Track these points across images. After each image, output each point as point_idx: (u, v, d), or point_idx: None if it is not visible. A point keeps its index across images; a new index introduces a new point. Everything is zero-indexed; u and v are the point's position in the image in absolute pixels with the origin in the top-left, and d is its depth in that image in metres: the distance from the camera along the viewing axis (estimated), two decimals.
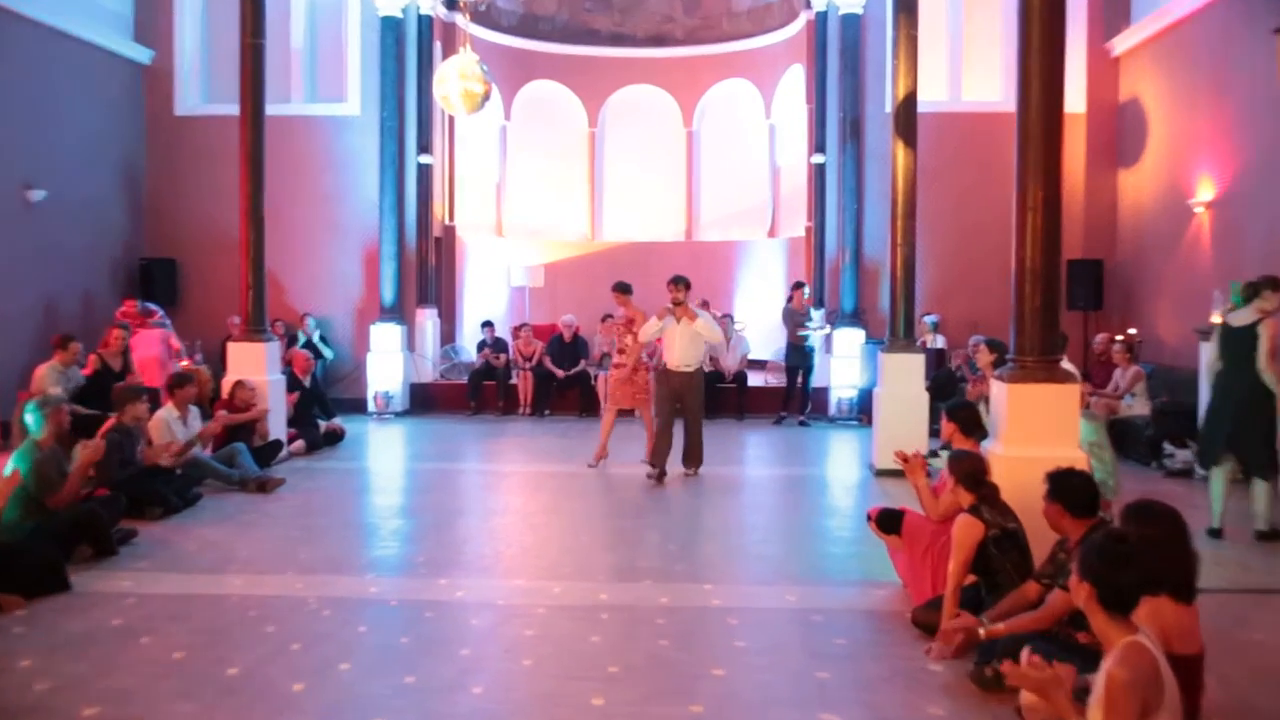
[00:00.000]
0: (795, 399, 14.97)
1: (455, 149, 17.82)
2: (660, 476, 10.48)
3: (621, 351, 11.12)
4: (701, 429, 10.85)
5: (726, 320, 16.31)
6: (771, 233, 19.56)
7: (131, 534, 7.95)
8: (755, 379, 16.35)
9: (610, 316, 15.75)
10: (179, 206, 16.45)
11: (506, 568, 7.36)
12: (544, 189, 20.43)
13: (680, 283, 10.54)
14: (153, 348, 13.13)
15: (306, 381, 12.89)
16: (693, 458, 10.83)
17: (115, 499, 8.06)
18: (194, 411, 10.26)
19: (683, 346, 10.52)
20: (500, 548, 7.97)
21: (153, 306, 13.72)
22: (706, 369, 15.58)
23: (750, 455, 12.93)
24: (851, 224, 15.88)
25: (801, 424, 14.73)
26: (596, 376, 15.67)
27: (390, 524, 8.73)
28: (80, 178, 14.87)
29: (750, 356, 16.30)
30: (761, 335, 18.26)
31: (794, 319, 14.70)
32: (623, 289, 11.14)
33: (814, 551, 7.82)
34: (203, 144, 16.34)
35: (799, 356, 14.75)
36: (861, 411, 14.80)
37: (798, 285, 15.06)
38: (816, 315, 15.02)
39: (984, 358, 9.22)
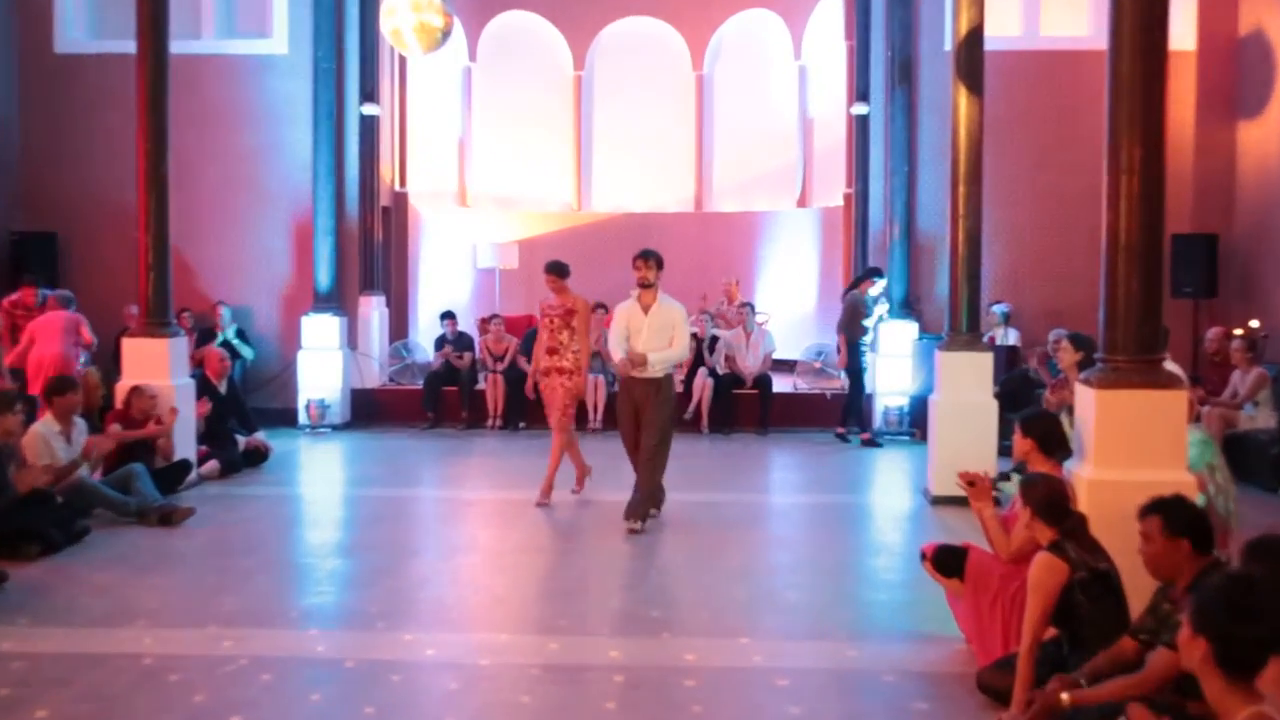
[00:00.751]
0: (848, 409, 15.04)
1: (407, 97, 17.84)
2: (640, 519, 9.78)
3: (553, 352, 10.76)
4: (661, 460, 9.95)
5: (746, 310, 16.32)
6: (802, 201, 19.57)
7: (1, 577, 7.93)
8: (781, 384, 16.36)
9: (602, 306, 15.78)
10: (60, 167, 16.45)
11: (479, 618, 7.37)
12: (518, 147, 20.45)
13: (650, 259, 9.93)
14: (53, 342, 13.05)
15: (222, 387, 12.88)
16: (641, 502, 9.83)
17: None
18: (79, 425, 10.24)
19: (649, 345, 9.85)
20: (467, 593, 7.97)
21: (61, 294, 13.69)
22: (722, 370, 15.80)
23: (776, 479, 12.90)
24: (902, 190, 15.89)
25: (866, 442, 14.73)
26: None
27: (329, 565, 8.73)
28: None
29: (775, 355, 16.30)
30: (789, 329, 18.27)
31: (856, 314, 14.64)
32: (556, 270, 10.77)
33: (856, 598, 7.83)
34: (90, 89, 16.33)
35: (859, 358, 14.77)
36: (914, 424, 14.80)
37: (872, 273, 15.02)
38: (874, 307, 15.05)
39: (1067, 357, 9.22)
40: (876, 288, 14.96)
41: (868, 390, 15.23)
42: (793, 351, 17.55)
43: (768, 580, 8.31)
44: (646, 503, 9.83)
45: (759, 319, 16.83)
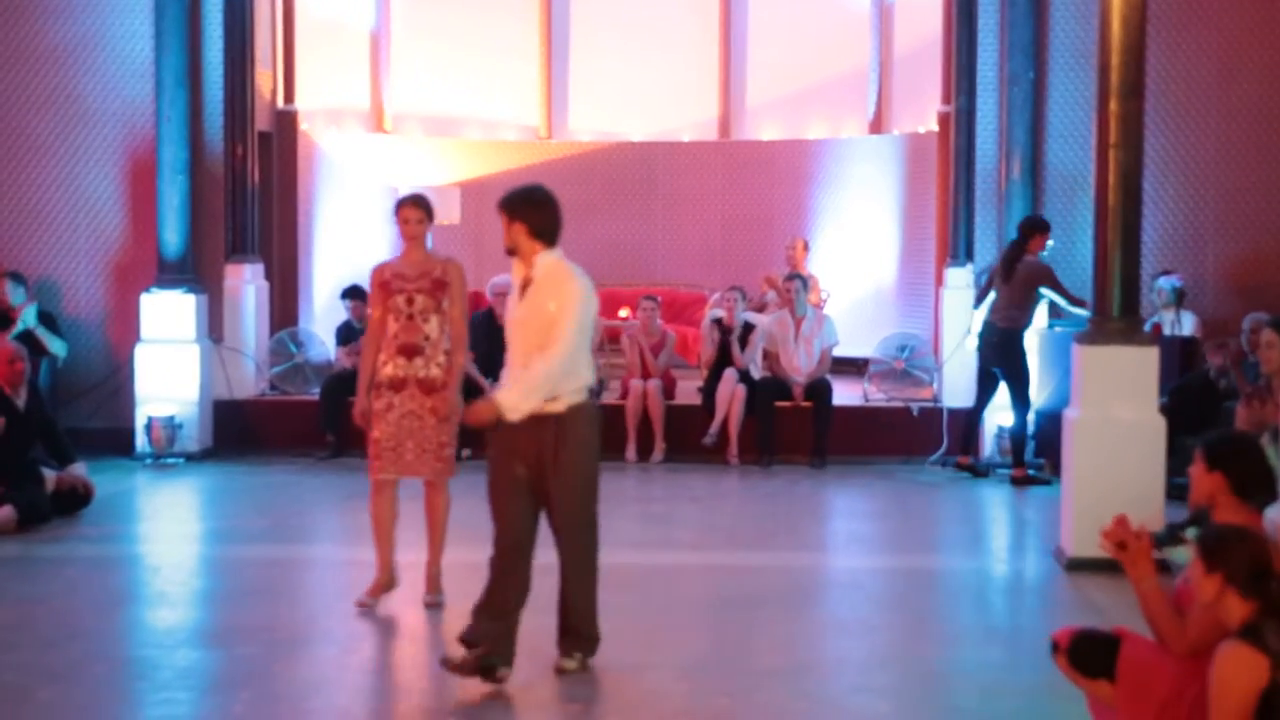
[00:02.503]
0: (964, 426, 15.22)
1: None
2: (486, 672, 8.06)
3: (412, 353, 9.69)
4: (593, 557, 8.50)
5: (794, 286, 16.27)
6: (876, 126, 19.56)
7: None
8: (846, 393, 16.33)
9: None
10: None
11: None
12: (459, 47, 20.41)
13: (523, 204, 8.26)
14: None
15: (19, 399, 12.79)
16: (578, 629, 8.47)
17: None
18: None
19: (524, 347, 8.25)
20: (380, 703, 7.95)
21: None
22: (758, 374, 15.75)
23: (838, 532, 12.93)
24: (1024, 109, 15.87)
25: (963, 467, 14.75)
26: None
27: (180, 659, 8.69)
28: None
29: (837, 352, 16.28)
30: (856, 313, 18.27)
31: (1029, 284, 14.53)
32: (416, 203, 9.95)
33: (958, 710, 7.81)
34: None
35: (1008, 351, 14.65)
36: (1041, 452, 14.77)
37: (1034, 223, 14.95)
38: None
39: (1274, 355, 9.19)
40: (1045, 240, 14.84)
41: (958, 402, 15.33)
42: (862, 346, 17.54)
43: (828, 685, 8.26)
44: (586, 625, 8.44)
45: (815, 298, 16.79)
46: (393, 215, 9.97)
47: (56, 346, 15.85)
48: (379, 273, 9.86)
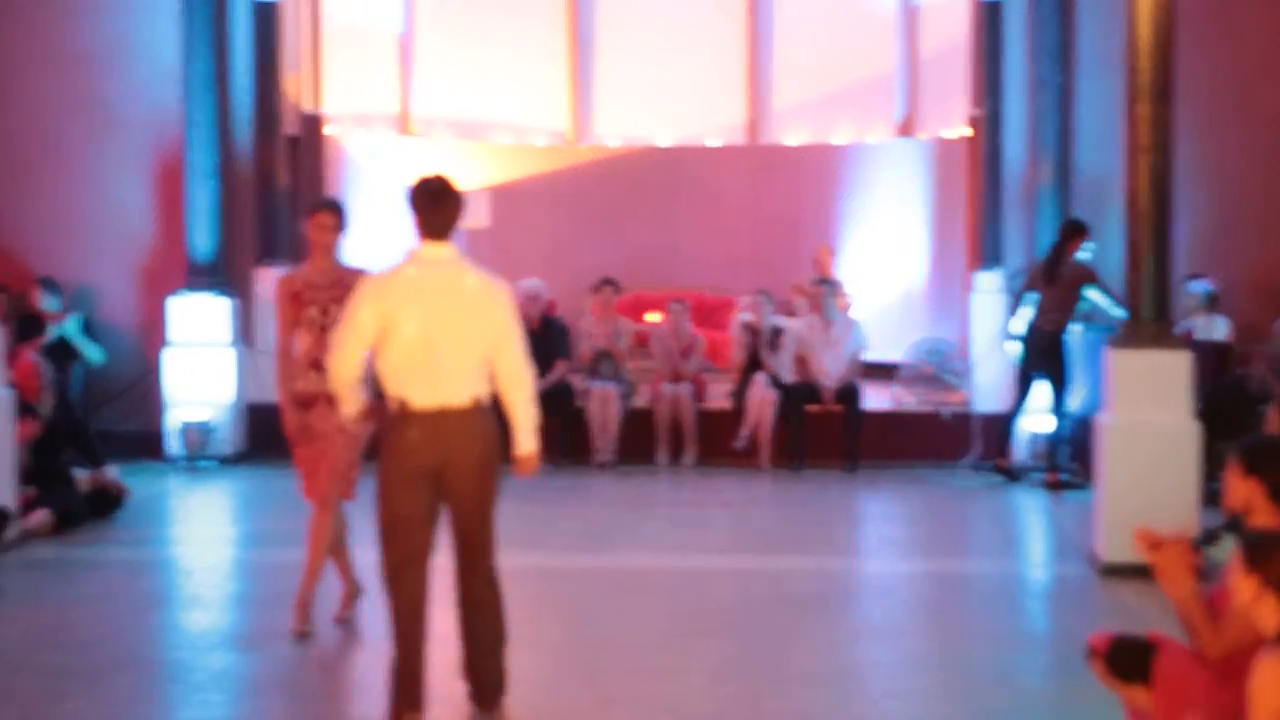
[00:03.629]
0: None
1: None
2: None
3: (321, 366, 8.71)
4: (497, 585, 7.63)
5: (823, 290, 16.28)
6: (906, 129, 19.54)
7: None
8: (876, 397, 16.33)
9: (611, 283, 15.83)
10: None
11: None
12: (486, 52, 20.43)
13: (446, 199, 7.52)
14: None
15: (44, 407, 12.83)
16: (487, 674, 7.61)
17: None
18: None
19: (429, 351, 7.41)
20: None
21: None
22: (788, 378, 15.76)
23: (870, 537, 12.92)
24: (1053, 112, 15.87)
25: (1001, 470, 14.75)
26: (588, 393, 15.66)
27: (215, 662, 8.74)
28: None
29: (865, 357, 16.26)
30: (886, 318, 18.26)
31: (1074, 285, 14.52)
32: (334, 210, 9.68)
33: (990, 714, 7.81)
34: None
35: (1053, 355, 14.64)
36: (1074, 457, 14.74)
37: (1074, 226, 14.91)
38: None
39: None
40: (1083, 242, 14.82)
41: (991, 407, 15.31)
42: (891, 351, 17.53)
43: (860, 690, 8.28)
44: (495, 668, 7.59)
45: (842, 301, 16.79)
46: (306, 220, 9.58)
47: (93, 353, 15.92)
48: (288, 283, 9.35)
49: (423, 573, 7.34)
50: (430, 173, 7.63)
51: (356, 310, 7.35)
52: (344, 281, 9.05)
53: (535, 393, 7.54)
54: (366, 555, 8.93)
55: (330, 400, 8.55)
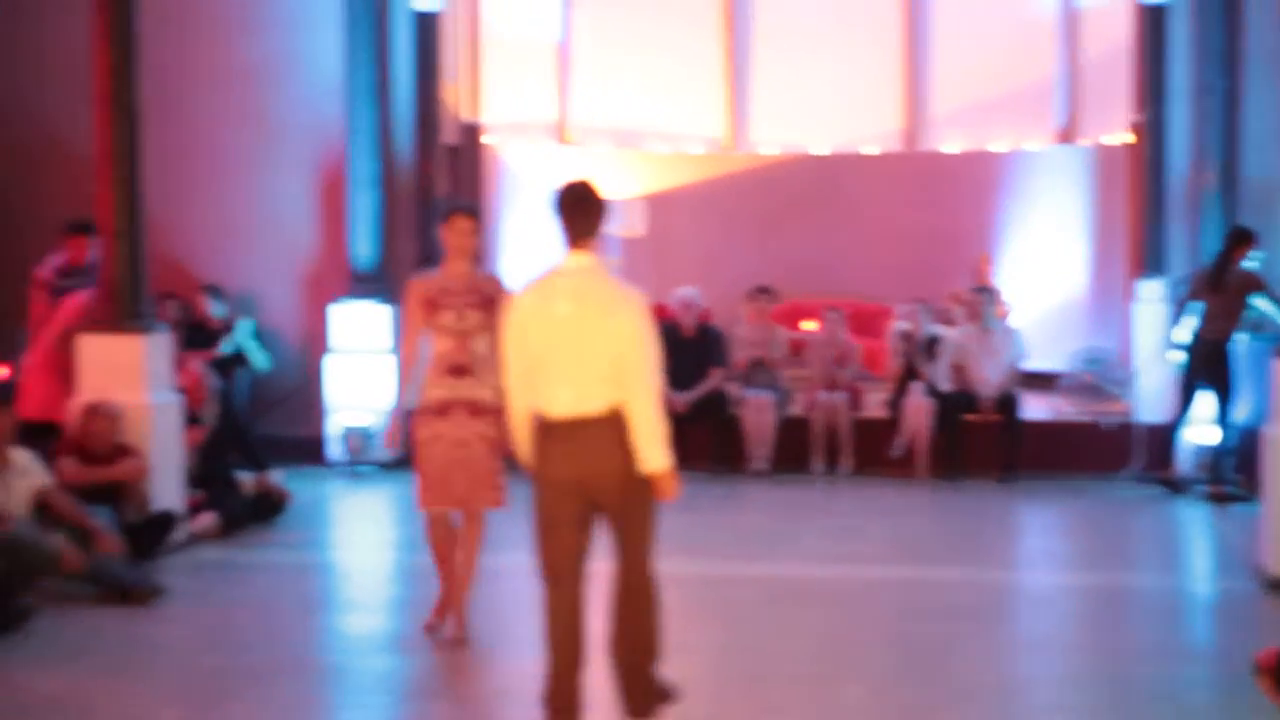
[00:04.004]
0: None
1: None
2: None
3: (461, 372, 9.06)
4: (656, 606, 7.53)
5: (982, 299, 16.15)
6: (1066, 135, 19.36)
7: None
8: (1035, 407, 16.18)
9: (766, 291, 15.80)
10: None
11: None
12: (644, 60, 20.48)
13: (586, 205, 7.51)
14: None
15: (208, 415, 13.01)
16: (637, 684, 7.52)
17: None
18: (22, 460, 10.46)
19: (561, 361, 7.35)
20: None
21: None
22: (946, 387, 15.63)
23: (1029, 549, 12.79)
24: (1218, 117, 15.64)
25: (1165, 483, 14.59)
26: (743, 401, 15.63)
27: (376, 665, 8.84)
28: None
29: (1024, 366, 16.12)
30: (1048, 327, 18.10)
31: (1242, 293, 14.29)
32: (472, 214, 9.56)
33: None
34: None
35: (1218, 364, 14.45)
36: (1240, 469, 14.54)
37: (1240, 233, 14.72)
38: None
39: None
40: (1249, 249, 14.61)
41: (1153, 418, 15.14)
42: (1051, 360, 17.37)
43: (1020, 703, 8.21)
44: (649, 688, 7.50)
45: (1001, 309, 16.65)
46: (443, 223, 9.28)
47: (261, 360, 16.09)
48: (421, 289, 9.17)
49: (576, 579, 7.28)
50: (574, 178, 7.56)
51: (506, 336, 7.41)
52: (480, 288, 9.14)
53: (658, 406, 7.12)
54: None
55: (469, 408, 8.94)
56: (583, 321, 7.18)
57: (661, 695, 7.46)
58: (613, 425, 7.09)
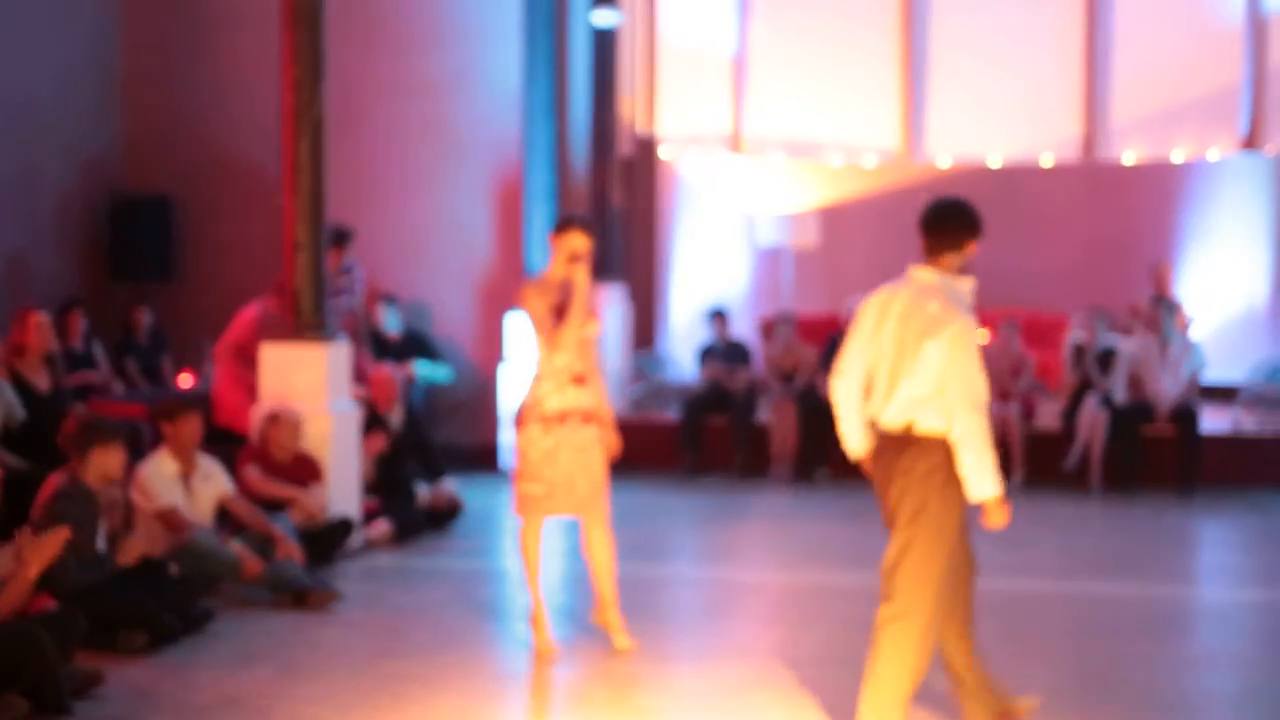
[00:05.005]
0: None
1: (659, 1, 18.07)
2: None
3: (581, 381, 9.25)
4: (911, 644, 7.27)
5: (1160, 309, 15.93)
6: (1251, 141, 19.07)
7: (95, 679, 8.26)
8: (1215, 420, 15.94)
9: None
10: (175, 108, 17.12)
11: None
12: (819, 71, 20.44)
13: (940, 223, 7.51)
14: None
15: (394, 419, 13.21)
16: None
17: (68, 618, 8.34)
18: (208, 465, 10.69)
19: (880, 374, 7.40)
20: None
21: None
22: (1121, 399, 15.44)
23: (1207, 563, 12.63)
24: None
25: None
26: None
27: (546, 672, 8.94)
28: (9, 63, 15.58)
29: (1204, 379, 15.88)
30: (1228, 338, 17.84)
31: None
32: (590, 231, 9.42)
33: None
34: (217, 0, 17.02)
35: None
36: None
37: None
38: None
39: None
40: None
41: None
42: (1232, 371, 17.10)
43: (1195, 718, 8.14)
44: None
45: (1180, 321, 16.42)
46: (558, 233, 9.24)
47: (438, 374, 15.89)
48: (545, 296, 9.12)
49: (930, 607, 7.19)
50: (947, 196, 7.63)
51: (853, 338, 7.41)
52: (592, 298, 9.24)
53: (983, 433, 6.93)
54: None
55: (584, 415, 9.11)
56: (905, 340, 7.15)
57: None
58: (905, 444, 7.10)
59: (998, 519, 7.02)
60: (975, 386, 6.98)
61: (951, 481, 6.97)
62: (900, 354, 7.11)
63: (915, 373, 7.04)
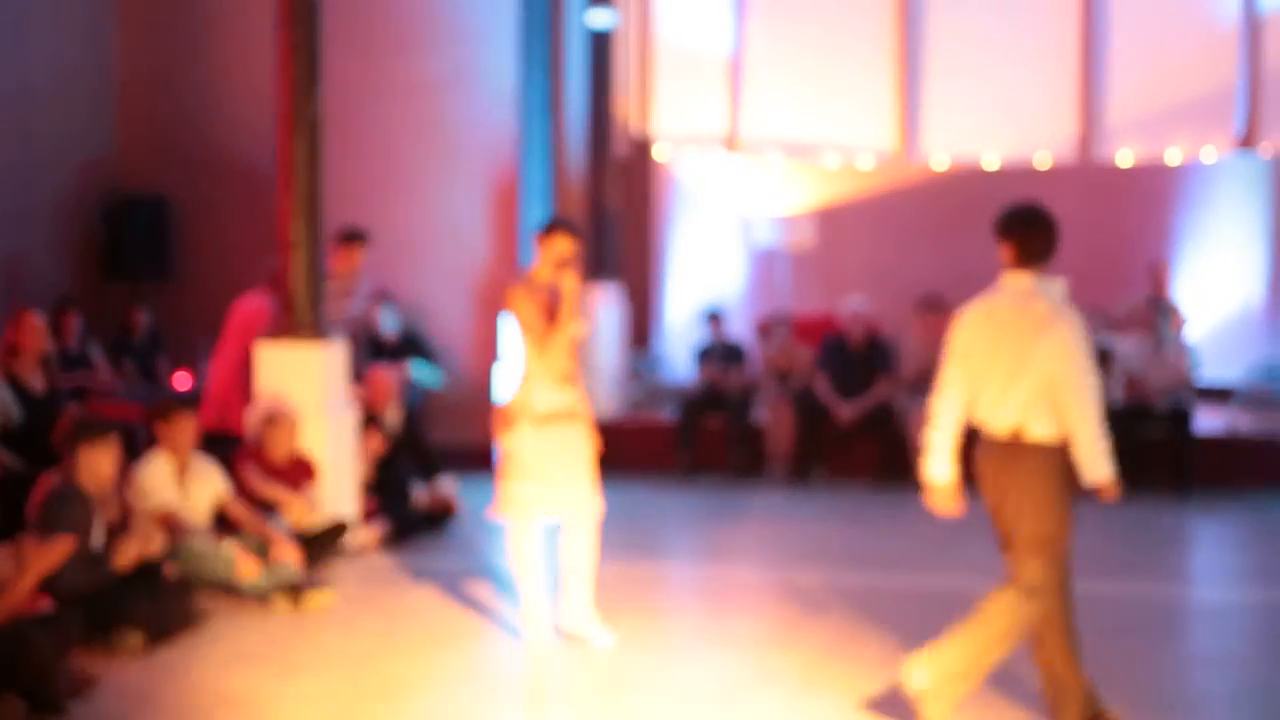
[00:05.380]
0: None
1: (653, 1, 18.07)
2: None
3: (570, 380, 9.42)
4: (1012, 617, 7.80)
5: (1154, 309, 15.94)
6: (1247, 142, 19.10)
7: (90, 680, 8.25)
8: (1210, 421, 15.94)
9: (936, 303, 15.68)
10: (171, 107, 17.16)
11: None
12: (815, 73, 20.45)
13: (1030, 229, 7.91)
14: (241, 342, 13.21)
15: (390, 421, 13.20)
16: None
17: (64, 619, 8.34)
18: (203, 466, 10.70)
19: (990, 378, 7.70)
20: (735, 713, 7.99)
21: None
22: (1116, 400, 15.44)
23: (1202, 563, 12.67)
24: None
25: None
26: (909, 412, 15.54)
27: (557, 669, 8.97)
28: (4, 62, 15.59)
29: (1199, 379, 15.88)
30: (1223, 340, 17.85)
31: None
32: (572, 226, 9.67)
33: None
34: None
35: None
36: None
37: None
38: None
39: None
40: None
41: None
42: (1227, 372, 17.11)
43: (1191, 717, 8.16)
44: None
45: (1176, 321, 16.43)
46: (545, 235, 9.30)
47: (429, 378, 15.79)
48: (535, 298, 9.21)
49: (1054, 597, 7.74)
50: (1023, 202, 8.02)
51: (952, 351, 7.74)
52: (580, 299, 9.35)
53: (1099, 421, 7.47)
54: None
55: (572, 415, 9.28)
56: (1015, 342, 7.47)
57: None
58: (1016, 445, 7.49)
59: (1113, 495, 7.63)
60: (1088, 379, 7.36)
61: (1066, 478, 7.49)
62: (1014, 358, 7.45)
63: (1029, 373, 7.40)
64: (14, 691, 7.68)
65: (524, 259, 16.10)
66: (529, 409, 9.18)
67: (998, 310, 7.62)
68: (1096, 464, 7.39)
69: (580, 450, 9.31)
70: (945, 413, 7.68)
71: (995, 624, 7.51)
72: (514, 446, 9.18)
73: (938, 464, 7.75)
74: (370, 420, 12.85)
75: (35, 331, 11.92)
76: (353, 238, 13.14)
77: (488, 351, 16.43)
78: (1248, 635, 10.13)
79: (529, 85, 16.27)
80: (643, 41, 17.95)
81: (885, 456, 15.73)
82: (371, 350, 15.36)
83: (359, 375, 13.26)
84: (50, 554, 7.89)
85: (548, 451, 9.17)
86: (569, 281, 9.14)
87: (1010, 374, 7.44)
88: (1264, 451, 15.45)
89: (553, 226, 9.38)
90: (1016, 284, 7.64)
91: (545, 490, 9.21)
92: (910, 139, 20.58)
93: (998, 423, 7.49)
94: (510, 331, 9.32)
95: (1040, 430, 7.39)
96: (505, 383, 15.40)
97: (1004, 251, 7.78)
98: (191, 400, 10.85)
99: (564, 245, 9.25)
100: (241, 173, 16.60)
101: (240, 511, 10.71)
